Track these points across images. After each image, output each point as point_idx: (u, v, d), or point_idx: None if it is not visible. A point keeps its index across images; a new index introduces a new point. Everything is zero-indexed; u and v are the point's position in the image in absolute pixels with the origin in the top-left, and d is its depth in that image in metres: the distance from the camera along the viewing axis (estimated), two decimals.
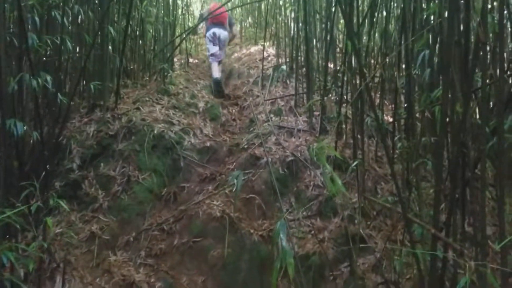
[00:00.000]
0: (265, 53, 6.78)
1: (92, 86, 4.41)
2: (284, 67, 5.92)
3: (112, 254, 3.67)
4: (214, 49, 6.82)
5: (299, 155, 4.52)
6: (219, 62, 6.85)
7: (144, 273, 3.55)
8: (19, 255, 3.09)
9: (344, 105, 4.65)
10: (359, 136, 4.11)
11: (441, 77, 2.74)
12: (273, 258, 3.69)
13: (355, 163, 3.30)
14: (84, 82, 4.97)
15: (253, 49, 7.92)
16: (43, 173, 3.64)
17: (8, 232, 3.15)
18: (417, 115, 3.71)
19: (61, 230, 3.68)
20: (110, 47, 4.92)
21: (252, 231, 3.85)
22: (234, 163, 4.63)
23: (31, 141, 3.98)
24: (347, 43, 3.37)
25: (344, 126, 4.74)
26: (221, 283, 3.56)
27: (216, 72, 6.53)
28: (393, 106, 5.18)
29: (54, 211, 3.84)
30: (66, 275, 3.25)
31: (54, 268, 3.34)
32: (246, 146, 4.82)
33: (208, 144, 4.93)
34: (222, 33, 7.00)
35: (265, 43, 7.11)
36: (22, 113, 3.58)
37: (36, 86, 3.35)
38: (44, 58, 4.36)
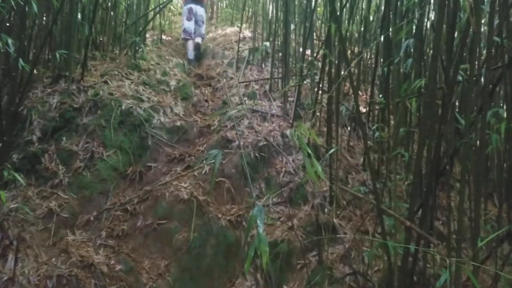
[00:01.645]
0: (241, 35, 6.62)
1: (57, 55, 4.14)
2: (267, 43, 5.75)
3: (71, 233, 3.48)
4: (187, 23, 6.84)
5: (272, 140, 4.41)
6: (201, 39, 6.82)
7: (104, 254, 3.38)
8: None
9: (320, 92, 4.56)
10: (333, 125, 4.03)
11: (428, 68, 2.67)
12: (240, 244, 3.62)
13: (331, 151, 3.21)
14: (49, 50, 4.69)
15: (229, 30, 7.73)
16: (0, 144, 3.40)
17: None
18: (392, 106, 3.67)
19: (16, 205, 3.45)
20: (79, 15, 4.64)
21: (220, 215, 3.73)
22: (205, 145, 4.48)
23: None
24: (330, 27, 3.25)
25: (318, 113, 4.66)
26: (185, 268, 3.43)
27: (191, 52, 6.63)
28: (367, 96, 5.15)
29: (9, 185, 3.60)
30: (19, 253, 3.04)
31: (7, 245, 3.12)
32: (217, 128, 4.68)
33: (178, 123, 4.75)
34: (199, 9, 6.94)
35: (241, 25, 6.95)
36: None
37: None
38: (8, 24, 4.08)
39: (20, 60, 3.61)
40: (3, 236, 3.16)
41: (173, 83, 5.45)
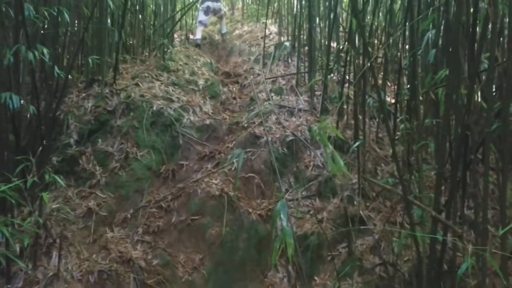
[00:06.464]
0: (267, 30, 6.68)
1: (90, 61, 4.31)
2: (287, 43, 5.80)
3: (109, 230, 3.66)
4: (203, 17, 7.11)
5: (300, 135, 4.47)
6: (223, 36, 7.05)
7: (141, 250, 3.54)
8: (15, 230, 3.07)
9: (346, 85, 4.58)
10: (360, 117, 4.05)
11: (447, 58, 2.67)
12: (271, 238, 3.70)
13: (356, 144, 3.24)
14: (82, 56, 4.88)
15: (255, 26, 7.79)
16: (40, 148, 3.59)
17: (3, 207, 3.12)
18: (419, 96, 3.66)
19: (57, 205, 3.64)
20: (109, 21, 4.82)
21: (250, 210, 3.83)
22: (234, 142, 4.58)
23: (28, 115, 3.92)
24: (352, 21, 3.28)
25: (345, 106, 4.68)
26: (218, 261, 3.55)
27: (198, 34, 7.13)
28: (395, 87, 5.12)
29: (50, 186, 3.79)
30: (62, 250, 3.22)
31: (50, 243, 3.31)
32: (246, 125, 4.77)
33: (207, 122, 4.87)
34: (216, 5, 7.15)
35: (267, 21, 7.00)
36: (19, 87, 3.51)
37: (33, 59, 3.27)
38: (42, 32, 4.27)
39: (56, 67, 3.79)
40: (47, 235, 3.35)
41: (201, 82, 5.57)
